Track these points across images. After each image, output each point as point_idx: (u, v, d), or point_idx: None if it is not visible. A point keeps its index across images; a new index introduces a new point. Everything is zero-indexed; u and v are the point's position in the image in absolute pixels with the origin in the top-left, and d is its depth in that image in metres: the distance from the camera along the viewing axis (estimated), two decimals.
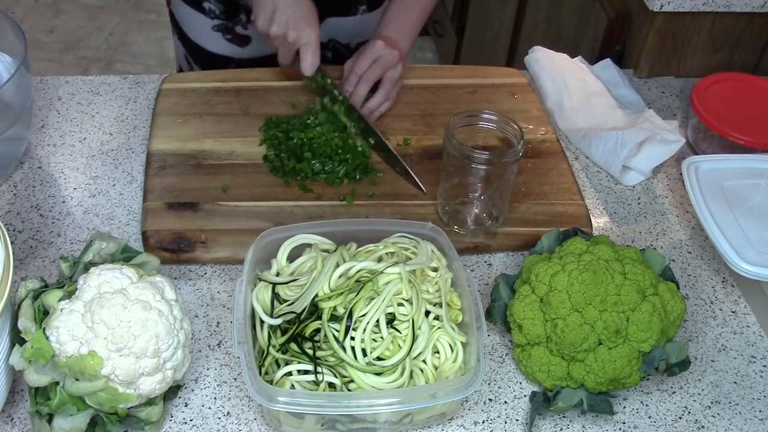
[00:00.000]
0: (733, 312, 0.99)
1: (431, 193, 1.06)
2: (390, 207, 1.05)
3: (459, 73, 1.30)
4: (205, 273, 0.98)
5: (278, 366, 0.81)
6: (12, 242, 0.87)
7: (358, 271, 0.82)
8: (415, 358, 0.81)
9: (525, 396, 0.88)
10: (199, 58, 1.36)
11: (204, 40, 1.33)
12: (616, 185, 1.15)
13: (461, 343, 0.83)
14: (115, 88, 1.24)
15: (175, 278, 0.96)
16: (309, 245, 0.88)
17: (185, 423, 0.83)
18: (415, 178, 1.08)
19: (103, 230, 1.01)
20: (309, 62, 1.12)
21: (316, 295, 0.81)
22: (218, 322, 0.92)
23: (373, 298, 0.80)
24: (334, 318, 0.80)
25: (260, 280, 0.85)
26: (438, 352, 0.83)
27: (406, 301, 0.82)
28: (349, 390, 0.79)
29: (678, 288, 0.88)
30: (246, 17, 1.30)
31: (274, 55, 1.35)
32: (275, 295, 0.83)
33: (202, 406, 0.84)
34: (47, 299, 0.76)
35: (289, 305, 0.82)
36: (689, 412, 0.88)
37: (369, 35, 1.24)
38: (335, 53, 1.37)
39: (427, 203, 1.06)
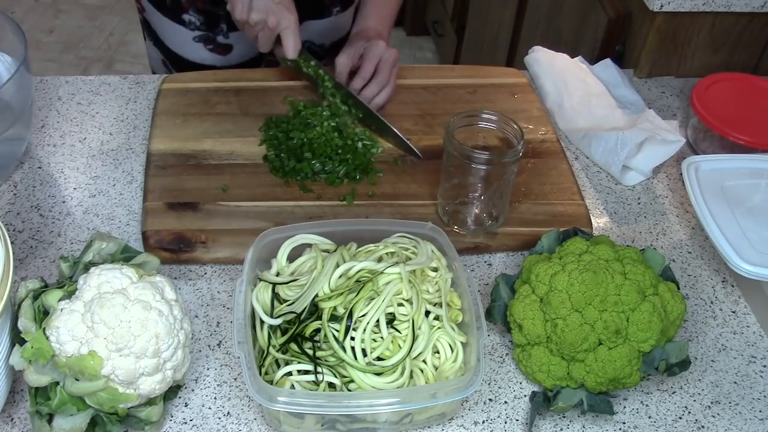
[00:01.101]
0: (733, 312, 0.99)
1: (431, 193, 1.06)
2: (390, 207, 1.05)
3: (459, 73, 1.30)
4: (205, 273, 0.98)
5: (278, 366, 0.81)
6: (12, 242, 0.87)
7: (358, 271, 0.82)
8: (415, 358, 0.81)
9: (525, 396, 0.88)
10: (179, 65, 1.35)
11: (185, 51, 1.33)
12: (616, 185, 1.15)
13: (461, 343, 0.83)
14: (115, 88, 1.24)
15: (175, 278, 0.96)
16: (309, 245, 0.89)
17: (185, 423, 0.83)
18: (409, 144, 1.11)
19: (103, 230, 1.01)
20: (291, 46, 1.13)
21: (316, 295, 0.81)
22: (218, 322, 0.92)
23: (373, 298, 0.80)
24: (334, 318, 0.80)
25: (260, 280, 0.85)
26: (438, 352, 0.83)
27: (406, 301, 0.82)
28: (349, 390, 0.79)
29: (678, 288, 0.88)
30: (227, 26, 1.29)
31: (256, 59, 1.35)
32: (275, 295, 0.83)
33: (202, 406, 0.84)
34: (47, 299, 0.76)
35: (289, 305, 0.82)
36: (689, 412, 0.88)
37: (341, 34, 1.25)
38: (310, 53, 1.38)
39: (427, 203, 1.06)
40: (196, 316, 0.93)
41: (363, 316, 0.80)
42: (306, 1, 1.22)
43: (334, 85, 1.17)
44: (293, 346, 0.80)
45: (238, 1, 1.11)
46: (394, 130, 1.13)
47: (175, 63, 1.36)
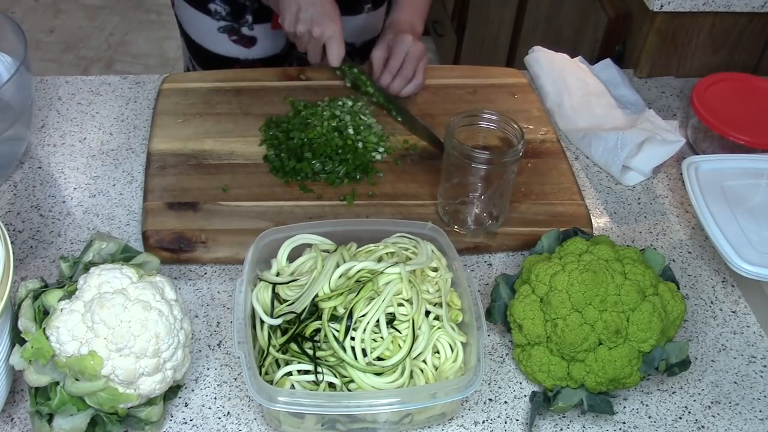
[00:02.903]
0: (733, 312, 0.99)
1: (431, 193, 1.06)
2: (390, 207, 1.05)
3: (459, 73, 1.30)
4: (205, 273, 0.98)
5: (278, 366, 0.81)
6: (12, 242, 0.87)
7: (358, 271, 0.82)
8: (415, 358, 0.81)
9: (525, 396, 0.88)
10: (202, 59, 1.36)
11: (209, 42, 1.34)
12: (616, 185, 1.15)
13: (461, 343, 0.83)
14: (115, 88, 1.24)
15: (175, 278, 0.96)
16: (309, 245, 0.88)
17: (185, 423, 0.83)
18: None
19: (103, 230, 1.01)
20: (335, 54, 1.14)
21: (316, 295, 0.81)
22: (218, 322, 0.92)
23: (373, 298, 0.80)
24: (334, 318, 0.80)
25: (260, 280, 0.85)
26: (438, 352, 0.83)
27: (406, 301, 0.82)
28: (349, 390, 0.79)
29: (678, 288, 0.88)
30: (252, 18, 1.30)
31: (279, 56, 1.35)
32: (275, 295, 0.83)
33: (202, 406, 0.84)
34: (47, 299, 0.76)
35: (289, 305, 0.82)
36: (689, 412, 0.88)
37: (372, 35, 1.25)
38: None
39: (427, 203, 1.06)
40: (196, 316, 0.93)
41: (363, 316, 0.80)
42: None
43: (376, 90, 1.18)
44: (293, 346, 0.80)
45: (286, 14, 1.14)
46: (431, 130, 1.14)
47: (200, 58, 1.36)
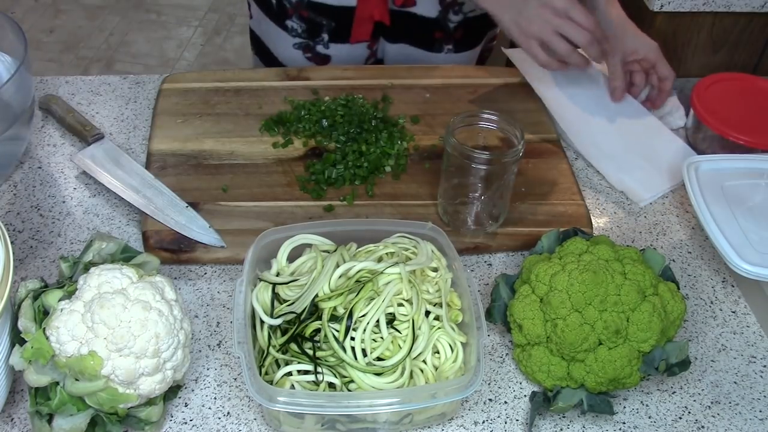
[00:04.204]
0: (733, 312, 0.99)
1: (431, 193, 1.06)
2: (390, 207, 1.05)
3: (459, 73, 1.30)
4: (205, 273, 0.98)
5: (278, 366, 0.81)
6: (12, 242, 0.87)
7: (358, 271, 0.82)
8: (415, 358, 0.81)
9: (525, 396, 0.88)
10: None
11: (285, 57, 1.35)
12: None
13: (461, 343, 0.83)
14: (115, 88, 1.24)
15: (175, 278, 0.96)
16: (309, 245, 0.89)
17: (185, 423, 0.83)
18: None
19: (103, 230, 1.01)
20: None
21: (316, 296, 0.81)
22: (218, 322, 0.92)
23: (373, 299, 0.80)
24: (334, 318, 0.80)
25: (260, 280, 0.85)
26: (438, 352, 0.83)
27: (406, 301, 0.82)
28: (349, 390, 0.79)
29: (678, 288, 0.88)
30: (328, 36, 1.30)
31: None
32: (275, 295, 0.83)
33: (202, 406, 0.84)
34: (47, 299, 0.76)
35: (289, 305, 0.82)
36: (689, 412, 0.88)
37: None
38: None
39: (427, 203, 1.06)
40: (196, 316, 0.93)
41: (363, 316, 0.80)
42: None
43: None
44: (293, 346, 0.80)
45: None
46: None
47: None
